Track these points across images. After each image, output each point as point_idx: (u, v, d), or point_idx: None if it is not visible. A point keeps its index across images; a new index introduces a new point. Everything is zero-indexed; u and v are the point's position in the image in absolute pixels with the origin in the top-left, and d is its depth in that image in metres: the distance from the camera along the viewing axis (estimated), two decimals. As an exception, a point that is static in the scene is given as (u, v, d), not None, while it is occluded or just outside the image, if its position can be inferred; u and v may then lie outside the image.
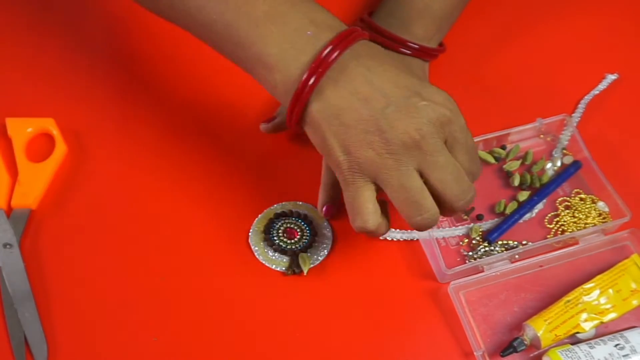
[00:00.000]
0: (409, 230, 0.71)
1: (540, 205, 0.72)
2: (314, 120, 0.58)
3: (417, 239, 0.71)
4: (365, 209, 0.58)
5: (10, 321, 0.66)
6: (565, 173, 0.74)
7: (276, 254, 0.70)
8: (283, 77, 0.58)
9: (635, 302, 0.66)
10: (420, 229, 0.58)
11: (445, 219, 0.72)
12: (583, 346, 0.63)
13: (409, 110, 0.56)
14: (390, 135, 0.55)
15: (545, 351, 0.64)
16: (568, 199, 0.73)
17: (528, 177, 0.73)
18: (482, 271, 0.68)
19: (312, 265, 0.69)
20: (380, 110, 0.56)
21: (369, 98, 0.56)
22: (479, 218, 0.72)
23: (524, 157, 0.75)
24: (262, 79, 0.60)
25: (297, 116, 0.58)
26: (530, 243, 0.70)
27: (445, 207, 0.59)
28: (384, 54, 0.59)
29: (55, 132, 0.75)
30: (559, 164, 0.75)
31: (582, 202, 0.73)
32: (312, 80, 0.56)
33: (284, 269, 0.69)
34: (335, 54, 0.56)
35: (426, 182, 0.57)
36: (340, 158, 0.58)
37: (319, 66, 0.56)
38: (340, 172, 0.59)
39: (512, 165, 0.74)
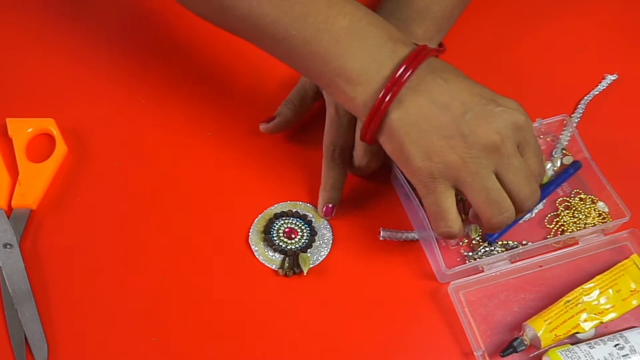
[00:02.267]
0: (409, 230, 0.71)
1: (540, 206, 0.72)
2: (392, 129, 0.59)
3: (417, 239, 0.71)
4: (450, 215, 0.61)
5: (10, 321, 0.66)
6: (565, 173, 0.74)
7: (276, 254, 0.70)
8: (364, 90, 0.60)
9: (634, 302, 0.66)
10: (499, 228, 0.61)
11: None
12: (583, 346, 0.63)
13: (487, 115, 0.58)
14: (471, 139, 0.58)
15: (545, 351, 0.64)
16: (568, 199, 0.73)
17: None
18: (482, 271, 0.68)
19: (312, 265, 0.69)
20: (459, 116, 0.58)
21: (448, 106, 0.58)
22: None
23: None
24: (340, 91, 0.61)
25: (376, 126, 0.60)
26: (530, 243, 0.70)
27: (516, 207, 0.61)
28: (453, 68, 0.61)
29: (55, 132, 0.75)
30: (558, 164, 0.75)
31: (582, 202, 0.73)
32: (391, 93, 0.58)
33: (278, 267, 0.69)
34: (412, 69, 0.59)
35: (501, 183, 0.60)
36: (420, 164, 0.59)
37: (400, 79, 0.58)
38: (420, 179, 0.60)
39: None
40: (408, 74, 0.59)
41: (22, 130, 0.76)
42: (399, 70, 0.59)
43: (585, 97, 0.80)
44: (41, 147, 0.75)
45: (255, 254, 0.70)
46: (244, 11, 0.63)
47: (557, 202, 0.73)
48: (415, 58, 0.59)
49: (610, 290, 0.66)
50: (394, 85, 0.58)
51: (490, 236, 0.70)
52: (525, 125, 0.60)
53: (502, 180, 0.60)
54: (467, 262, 0.69)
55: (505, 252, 0.69)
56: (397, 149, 0.60)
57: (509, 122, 0.59)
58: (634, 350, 0.62)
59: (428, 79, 0.59)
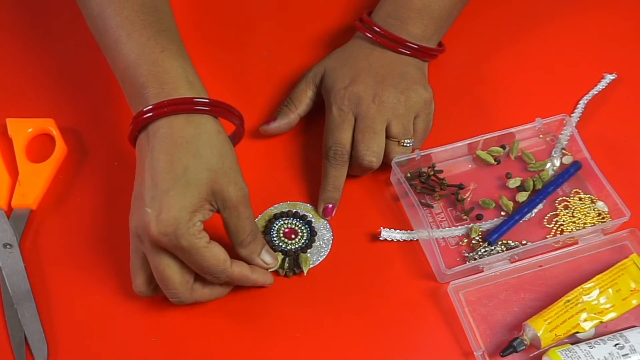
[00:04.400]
0: (409, 230, 0.71)
1: (539, 205, 0.72)
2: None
3: (417, 239, 0.71)
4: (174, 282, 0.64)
5: (10, 321, 0.66)
6: (565, 174, 0.74)
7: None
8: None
9: (634, 302, 0.66)
10: None
11: (445, 219, 0.72)
12: (583, 346, 0.63)
13: (136, 207, 0.62)
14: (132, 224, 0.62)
15: (545, 351, 0.64)
16: (567, 198, 0.73)
17: (531, 182, 0.73)
18: (482, 271, 0.68)
19: (312, 266, 0.69)
20: (139, 191, 0.62)
21: (144, 172, 0.62)
22: (479, 218, 0.72)
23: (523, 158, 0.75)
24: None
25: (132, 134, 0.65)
26: (529, 243, 0.70)
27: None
28: (180, 141, 0.62)
29: (55, 132, 0.75)
30: (558, 163, 0.75)
31: (581, 202, 0.73)
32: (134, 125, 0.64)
33: (278, 267, 0.69)
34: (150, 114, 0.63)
35: None
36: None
37: (138, 118, 0.63)
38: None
39: (515, 182, 0.74)
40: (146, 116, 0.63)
41: (22, 130, 0.76)
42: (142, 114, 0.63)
43: (585, 97, 0.80)
44: (41, 147, 0.75)
45: (255, 254, 0.70)
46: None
47: (557, 202, 0.73)
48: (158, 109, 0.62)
49: (610, 290, 0.66)
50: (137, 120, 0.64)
51: (490, 237, 0.70)
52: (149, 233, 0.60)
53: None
54: (467, 262, 0.69)
55: (504, 252, 0.69)
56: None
57: (137, 226, 0.61)
58: (634, 349, 0.62)
59: (143, 139, 0.63)
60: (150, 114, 0.62)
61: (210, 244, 0.61)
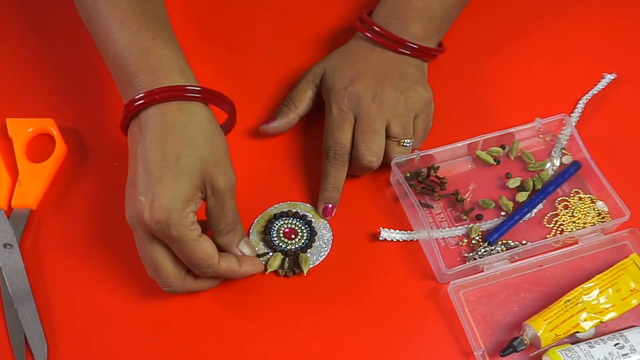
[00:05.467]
0: (409, 230, 0.71)
1: (539, 205, 0.72)
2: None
3: (417, 239, 0.71)
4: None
5: (10, 321, 0.66)
6: (565, 174, 0.74)
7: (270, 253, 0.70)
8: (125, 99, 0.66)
9: (634, 302, 0.66)
10: None
11: (445, 219, 0.72)
12: (583, 345, 0.63)
13: (130, 198, 0.62)
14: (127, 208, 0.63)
15: (545, 351, 0.64)
16: (567, 198, 0.73)
17: (530, 182, 0.73)
18: (482, 271, 0.68)
19: (312, 266, 0.69)
20: (132, 180, 0.62)
21: (136, 161, 0.62)
22: (479, 218, 0.72)
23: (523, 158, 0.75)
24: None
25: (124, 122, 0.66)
26: (529, 243, 0.70)
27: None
28: (169, 127, 0.62)
29: (55, 132, 0.75)
30: (558, 163, 0.75)
31: (581, 201, 0.73)
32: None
33: (278, 267, 0.69)
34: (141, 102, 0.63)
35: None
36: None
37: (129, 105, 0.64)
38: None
39: (515, 182, 0.74)
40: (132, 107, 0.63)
41: (22, 130, 0.76)
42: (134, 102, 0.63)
43: (584, 97, 0.80)
44: (41, 147, 0.75)
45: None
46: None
47: (557, 201, 0.73)
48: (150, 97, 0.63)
49: (610, 290, 0.66)
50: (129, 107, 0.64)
51: (490, 237, 0.70)
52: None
53: None
54: (467, 262, 0.69)
55: (504, 252, 0.69)
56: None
57: (131, 214, 0.62)
58: (634, 349, 0.62)
59: (135, 126, 0.63)
60: (142, 101, 0.62)
61: (201, 238, 0.62)
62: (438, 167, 0.74)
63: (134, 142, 0.64)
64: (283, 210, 0.73)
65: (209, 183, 0.62)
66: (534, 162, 0.75)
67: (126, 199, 0.63)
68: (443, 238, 0.71)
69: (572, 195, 0.73)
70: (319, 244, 0.71)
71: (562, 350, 0.63)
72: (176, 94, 0.63)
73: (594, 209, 0.72)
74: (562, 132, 0.77)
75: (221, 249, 0.65)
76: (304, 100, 0.76)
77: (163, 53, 0.65)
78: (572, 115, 0.79)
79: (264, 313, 0.67)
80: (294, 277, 0.69)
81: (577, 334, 0.64)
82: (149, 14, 0.67)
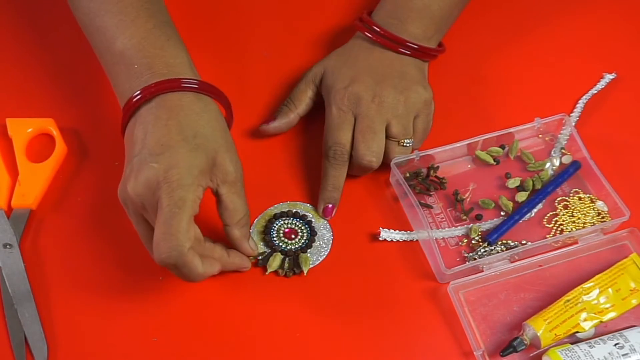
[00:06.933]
0: (409, 231, 0.71)
1: (539, 205, 0.73)
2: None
3: (417, 240, 0.71)
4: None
5: (10, 321, 0.66)
6: (564, 173, 0.74)
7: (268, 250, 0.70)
8: (121, 99, 0.67)
9: (634, 301, 0.66)
10: None
11: (444, 219, 0.72)
12: (583, 345, 0.63)
13: (139, 168, 0.61)
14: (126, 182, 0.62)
15: (545, 351, 0.64)
16: (566, 198, 0.73)
17: (530, 182, 0.73)
18: (482, 271, 0.68)
19: (312, 266, 0.69)
20: (136, 154, 0.62)
21: (138, 140, 0.63)
22: (478, 218, 0.72)
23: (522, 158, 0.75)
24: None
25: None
26: (529, 243, 0.70)
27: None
28: (178, 109, 0.64)
29: (55, 132, 0.75)
30: (557, 163, 0.75)
31: (581, 201, 0.73)
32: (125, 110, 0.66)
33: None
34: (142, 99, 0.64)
35: None
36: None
37: (130, 101, 0.65)
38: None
39: (515, 182, 0.74)
40: (136, 99, 0.64)
41: (22, 130, 0.76)
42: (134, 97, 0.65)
43: (584, 96, 0.80)
44: (41, 147, 0.75)
45: (255, 254, 0.70)
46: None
47: (556, 201, 0.73)
48: (148, 90, 0.64)
49: (609, 290, 0.66)
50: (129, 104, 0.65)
51: (490, 237, 0.70)
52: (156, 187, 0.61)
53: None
54: (466, 262, 0.69)
55: (504, 251, 0.69)
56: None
57: (135, 190, 0.61)
58: (634, 349, 0.62)
59: (146, 110, 0.64)
60: (159, 87, 0.63)
61: (192, 220, 0.61)
62: (438, 167, 0.74)
63: (137, 126, 0.64)
64: (283, 210, 0.73)
65: (221, 168, 0.63)
66: (533, 162, 0.75)
67: (122, 180, 0.63)
68: (443, 238, 0.71)
69: (571, 195, 0.73)
70: (319, 244, 0.71)
71: (562, 350, 0.63)
72: (195, 87, 0.65)
73: (593, 209, 0.72)
74: (561, 132, 0.77)
75: (233, 243, 0.66)
76: (304, 100, 0.76)
77: (177, 53, 0.67)
78: (571, 115, 0.79)
79: (264, 313, 0.67)
80: (294, 277, 0.69)
81: (577, 334, 0.65)
82: (161, 16, 0.69)
